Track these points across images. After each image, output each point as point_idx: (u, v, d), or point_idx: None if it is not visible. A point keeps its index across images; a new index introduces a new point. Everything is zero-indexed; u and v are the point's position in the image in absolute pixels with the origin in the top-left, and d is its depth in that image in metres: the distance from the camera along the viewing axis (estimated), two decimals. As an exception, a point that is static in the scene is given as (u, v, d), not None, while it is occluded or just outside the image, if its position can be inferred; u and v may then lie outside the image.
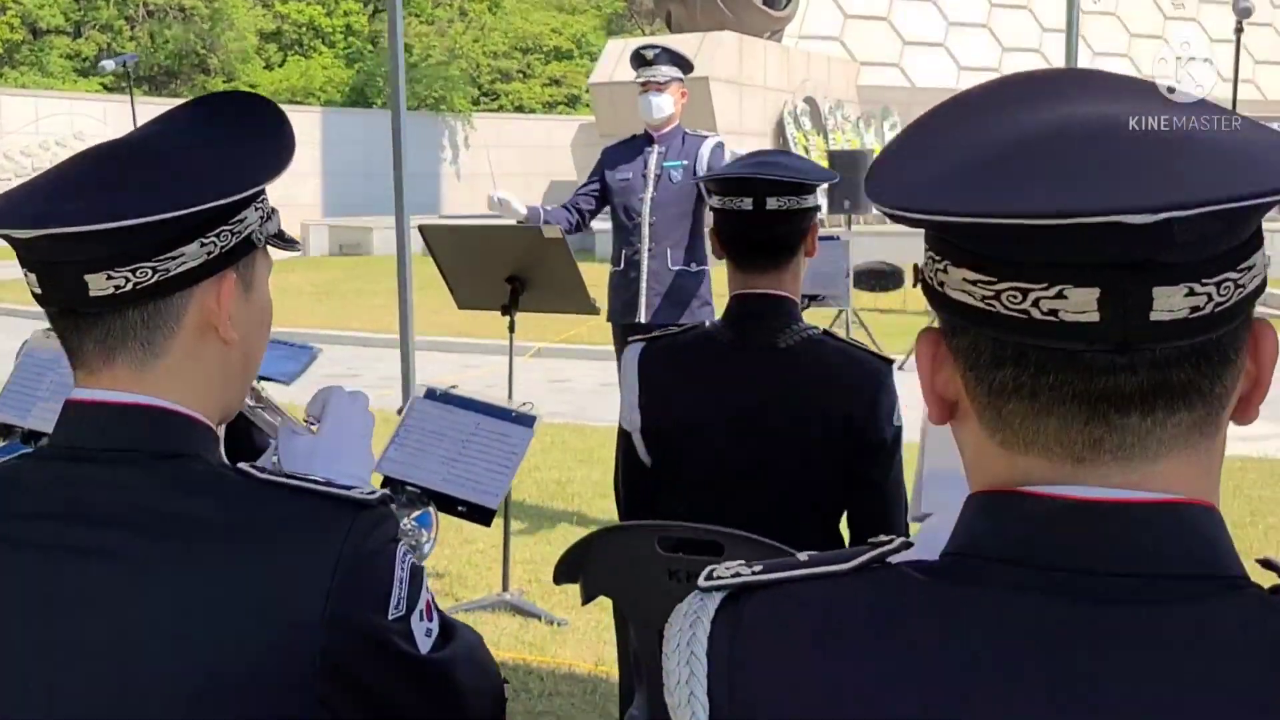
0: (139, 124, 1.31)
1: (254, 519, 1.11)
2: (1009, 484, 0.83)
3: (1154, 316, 0.74)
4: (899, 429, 2.30)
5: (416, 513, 2.12)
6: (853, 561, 0.88)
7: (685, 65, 5.44)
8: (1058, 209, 0.71)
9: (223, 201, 1.12)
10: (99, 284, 1.10)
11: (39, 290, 1.14)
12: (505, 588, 4.75)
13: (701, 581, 0.91)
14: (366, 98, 31.70)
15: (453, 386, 2.48)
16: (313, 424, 1.54)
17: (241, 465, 1.15)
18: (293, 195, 24.35)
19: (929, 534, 1.01)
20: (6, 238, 1.11)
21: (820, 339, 2.31)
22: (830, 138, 19.96)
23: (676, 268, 5.30)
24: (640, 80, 5.39)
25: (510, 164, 29.34)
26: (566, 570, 2.24)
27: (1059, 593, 0.78)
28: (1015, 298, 0.76)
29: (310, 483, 1.14)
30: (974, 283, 0.79)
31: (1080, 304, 0.75)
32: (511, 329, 4.77)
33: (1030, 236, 0.74)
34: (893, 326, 11.04)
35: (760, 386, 2.26)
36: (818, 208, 2.34)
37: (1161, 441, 0.78)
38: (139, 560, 1.08)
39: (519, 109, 34.76)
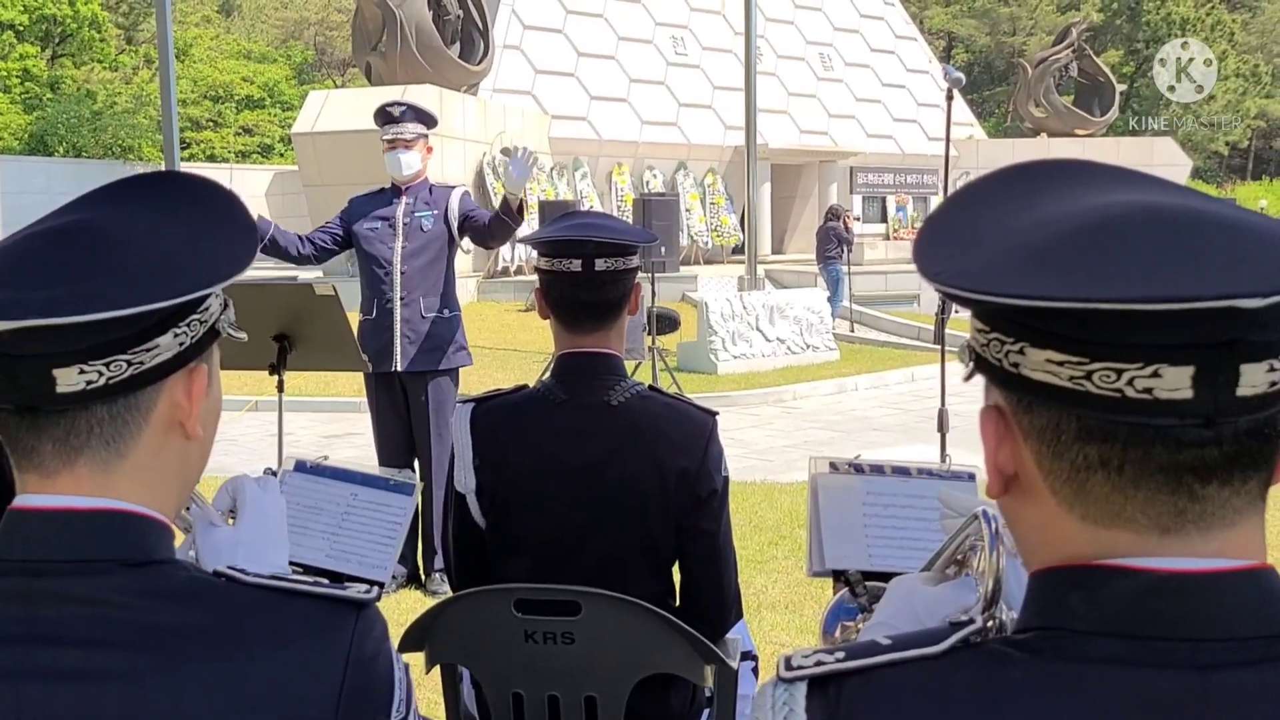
0: None
1: (249, 625, 1.05)
2: (1092, 558, 0.84)
3: (1240, 392, 0.78)
4: (727, 478, 2.35)
5: None
6: (943, 644, 0.89)
7: (430, 121, 5.62)
8: (1179, 294, 0.74)
9: (202, 293, 1.08)
10: (69, 379, 1.02)
11: None
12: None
13: (783, 671, 0.91)
14: (47, 146, 30.58)
15: (323, 457, 2.37)
16: (221, 515, 1.47)
17: (221, 569, 1.10)
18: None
19: (908, 599, 1.13)
20: None
21: (648, 394, 2.34)
22: (527, 187, 21.10)
23: (431, 315, 5.40)
24: (387, 138, 5.50)
25: (204, 212, 28.98)
26: (414, 638, 2.15)
27: (1163, 663, 0.81)
28: (1109, 377, 0.79)
29: (298, 584, 1.10)
30: (1060, 363, 0.81)
31: (1174, 382, 0.78)
32: (280, 388, 4.65)
33: (1136, 320, 0.77)
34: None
35: (595, 443, 2.28)
36: (639, 268, 2.39)
37: (1236, 509, 0.83)
38: (123, 679, 1.01)
39: (211, 158, 34.32)
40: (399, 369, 5.38)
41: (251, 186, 30.61)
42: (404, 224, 5.48)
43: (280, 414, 4.80)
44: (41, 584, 1.03)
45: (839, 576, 1.92)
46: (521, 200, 5.44)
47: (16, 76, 32.85)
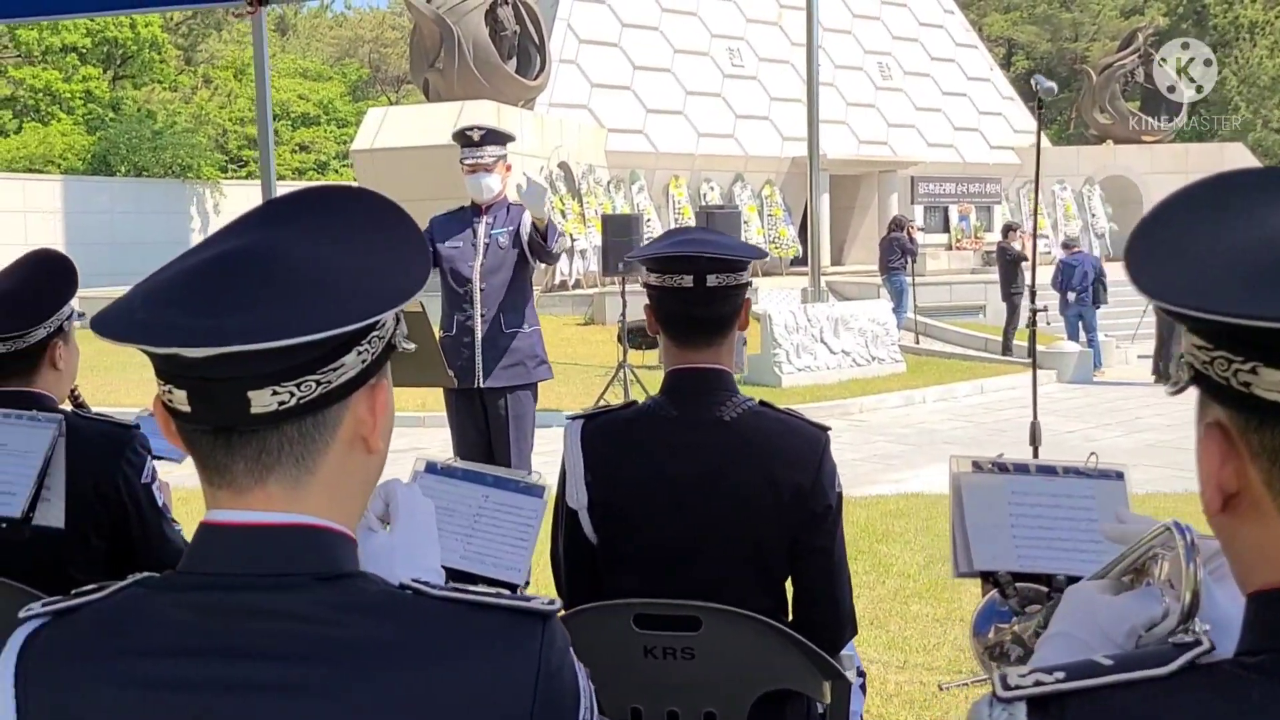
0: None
1: (440, 638, 1.06)
2: None
3: None
4: (840, 494, 2.32)
5: None
6: (1172, 664, 0.88)
7: (506, 141, 5.69)
8: None
9: (389, 313, 1.10)
10: (262, 400, 1.05)
11: (187, 408, 1.07)
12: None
13: (1000, 690, 0.91)
14: (109, 165, 30.97)
15: (452, 459, 2.41)
16: (377, 520, 1.51)
17: (407, 581, 1.11)
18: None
19: (1089, 609, 1.14)
20: (169, 356, 1.04)
21: (760, 409, 2.32)
22: (584, 201, 21.07)
23: (510, 330, 5.51)
24: (468, 163, 5.58)
25: (263, 230, 29.25)
26: None
27: None
28: None
29: (484, 595, 1.11)
30: None
31: None
32: None
33: None
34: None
35: (708, 458, 2.26)
36: (750, 283, 2.37)
37: None
38: (318, 693, 1.02)
39: (268, 175, 34.50)
40: (480, 385, 5.45)
41: (309, 204, 30.74)
42: (484, 243, 5.58)
43: None
44: (236, 598, 1.05)
45: (987, 578, 1.87)
46: (548, 221, 5.52)
47: (80, 98, 33.33)
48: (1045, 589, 1.77)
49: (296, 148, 36.23)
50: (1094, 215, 27.54)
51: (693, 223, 18.95)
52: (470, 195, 5.65)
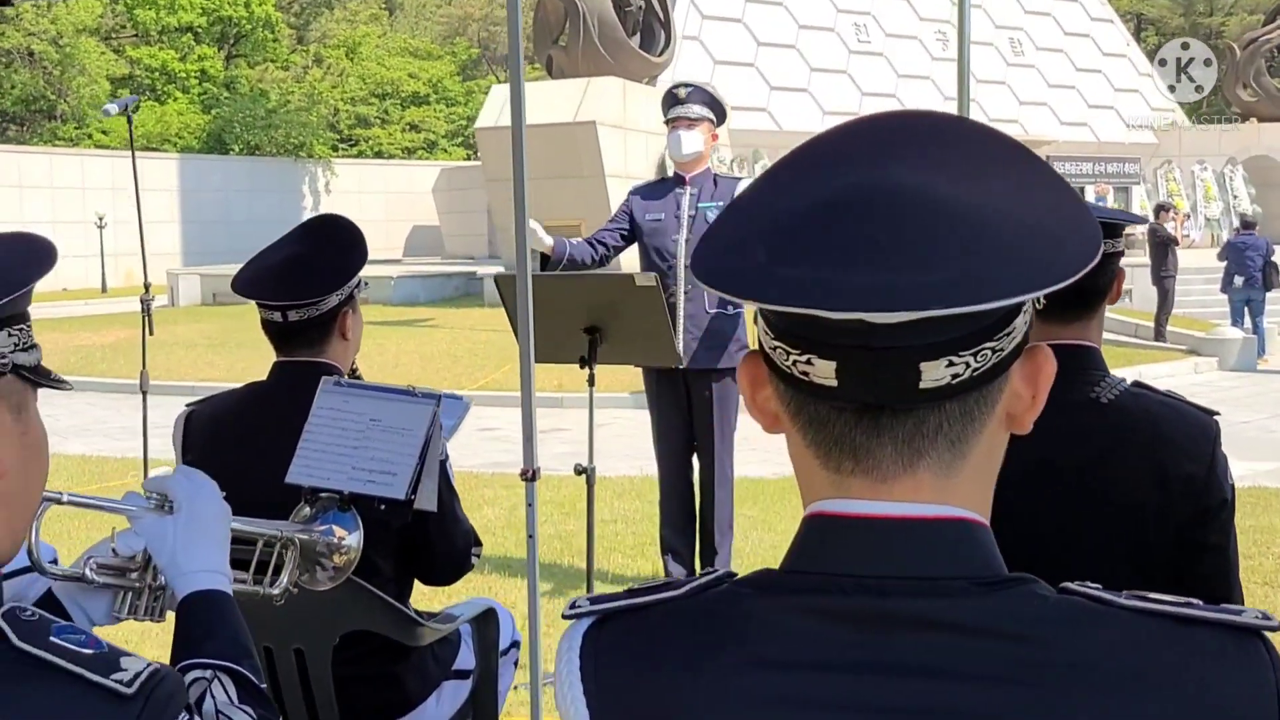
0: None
1: (1144, 659, 0.89)
2: None
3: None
4: (1234, 487, 2.14)
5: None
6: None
7: (718, 109, 5.27)
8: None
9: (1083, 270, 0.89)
10: (934, 373, 0.88)
11: (832, 382, 0.89)
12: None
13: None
14: (224, 144, 31.15)
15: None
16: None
17: (1074, 587, 0.95)
18: (151, 244, 23.79)
19: None
20: (828, 321, 0.86)
21: (1139, 391, 2.13)
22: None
23: (713, 310, 5.18)
24: (670, 118, 5.23)
25: (374, 210, 29.25)
26: None
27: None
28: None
29: (1182, 608, 0.93)
30: None
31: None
32: (591, 382, 4.44)
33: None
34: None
35: (1085, 444, 2.07)
36: (1124, 252, 2.21)
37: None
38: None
39: (378, 155, 34.61)
40: (683, 365, 5.11)
41: (419, 183, 30.69)
42: (689, 216, 5.22)
43: (591, 410, 4.53)
44: (887, 605, 0.89)
45: None
46: None
47: (195, 77, 33.62)
48: None
49: (407, 127, 36.18)
50: (1236, 197, 26.27)
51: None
52: (669, 155, 5.34)
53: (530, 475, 3.33)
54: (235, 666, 1.44)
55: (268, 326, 2.58)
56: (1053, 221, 0.88)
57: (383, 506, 2.19)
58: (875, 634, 0.89)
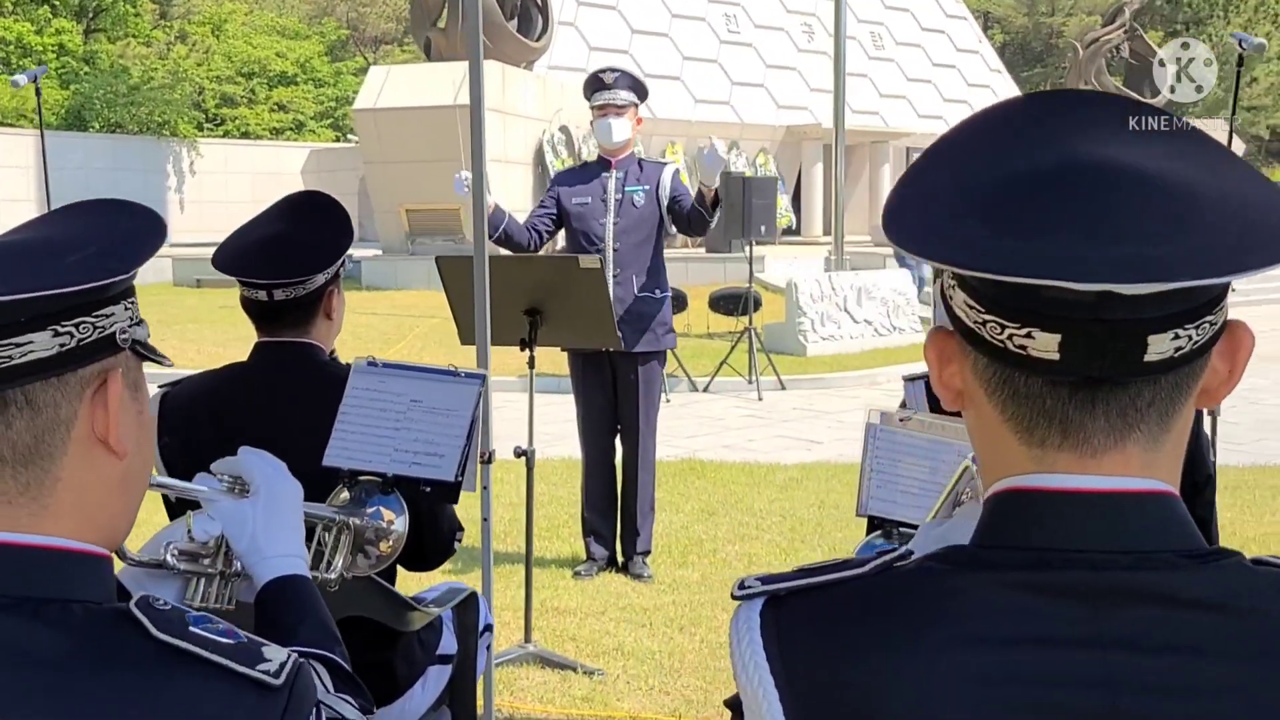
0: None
1: None
2: None
3: None
4: (1214, 463, 2.03)
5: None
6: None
7: (642, 92, 5.42)
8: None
9: None
10: (1159, 347, 0.89)
11: (1055, 356, 0.90)
12: (528, 639, 4.53)
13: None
14: (84, 121, 30.30)
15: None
16: None
17: (1260, 557, 0.96)
18: (7, 222, 23.13)
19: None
20: (1051, 295, 0.87)
21: None
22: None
23: (643, 294, 5.29)
24: (598, 104, 5.34)
25: (240, 191, 28.85)
26: None
27: None
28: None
29: None
30: None
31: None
32: (531, 365, 4.50)
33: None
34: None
35: None
36: None
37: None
38: (1220, 693, 0.88)
39: (244, 134, 34.04)
40: (623, 348, 5.20)
41: (288, 164, 30.34)
42: (615, 199, 5.32)
43: (531, 393, 4.57)
44: (1104, 579, 0.90)
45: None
46: (716, 192, 5.29)
47: (53, 51, 32.54)
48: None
49: (274, 107, 35.63)
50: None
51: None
52: (598, 141, 5.40)
53: (486, 458, 3.28)
54: (329, 655, 1.43)
55: (250, 305, 2.49)
56: (1257, 198, 0.90)
57: (428, 489, 2.17)
58: (1092, 608, 0.89)
